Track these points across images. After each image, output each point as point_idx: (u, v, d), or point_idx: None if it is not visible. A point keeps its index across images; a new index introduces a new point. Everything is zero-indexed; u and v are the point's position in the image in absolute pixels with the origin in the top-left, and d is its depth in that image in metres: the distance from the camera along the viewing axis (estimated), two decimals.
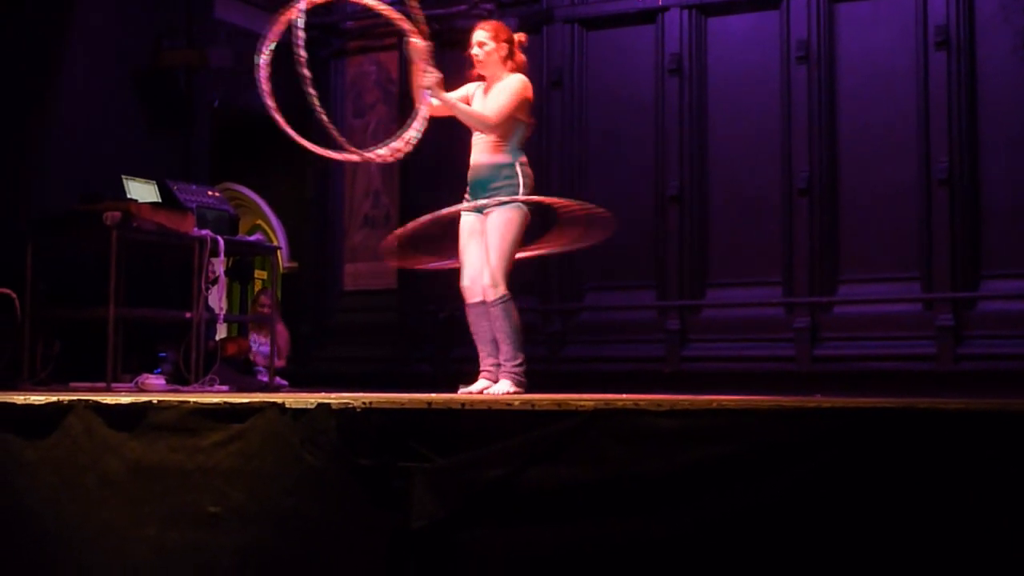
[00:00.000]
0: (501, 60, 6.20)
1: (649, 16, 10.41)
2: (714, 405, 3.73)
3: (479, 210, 6.10)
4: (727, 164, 10.09)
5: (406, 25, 6.13)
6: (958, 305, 9.18)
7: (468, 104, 6.20)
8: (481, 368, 6.13)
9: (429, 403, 4.18)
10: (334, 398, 4.36)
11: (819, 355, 9.51)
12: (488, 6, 10.70)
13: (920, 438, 3.46)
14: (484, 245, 6.05)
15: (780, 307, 9.80)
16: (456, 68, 6.45)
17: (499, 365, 6.03)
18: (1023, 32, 9.17)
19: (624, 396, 4.53)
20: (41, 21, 8.57)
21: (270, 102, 6.09)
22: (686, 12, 10.24)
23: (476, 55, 6.21)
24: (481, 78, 6.28)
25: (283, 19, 6.11)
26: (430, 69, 6.02)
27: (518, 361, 5.96)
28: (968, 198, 9.26)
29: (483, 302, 6.04)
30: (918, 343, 9.22)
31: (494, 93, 6.14)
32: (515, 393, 5.80)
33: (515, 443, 3.90)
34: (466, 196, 6.22)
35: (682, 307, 10.05)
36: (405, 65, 6.36)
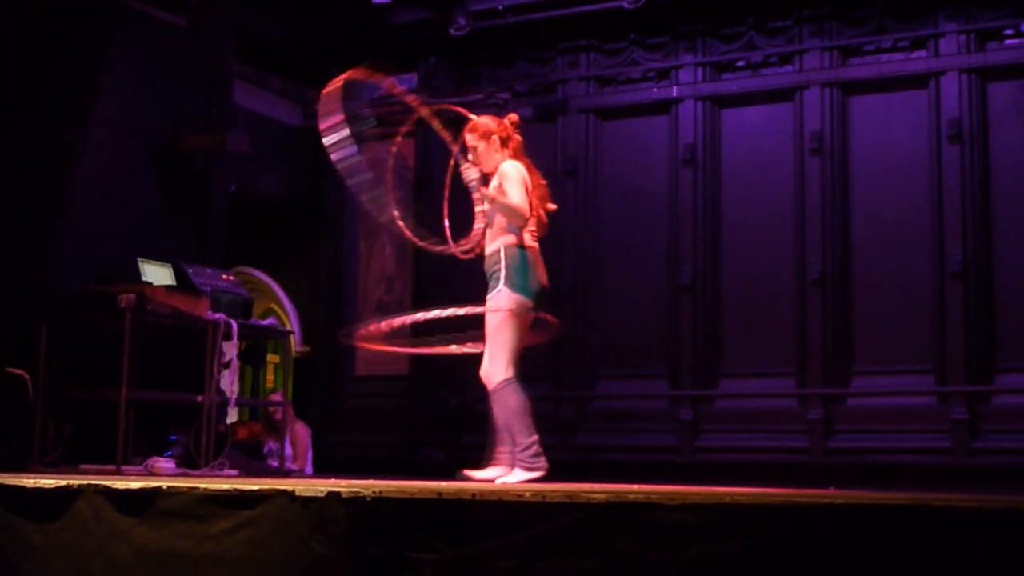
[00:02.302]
0: (497, 151, 6.26)
1: (664, 107, 10.49)
2: (726, 499, 3.69)
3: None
4: (740, 254, 10.11)
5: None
6: (973, 398, 9.14)
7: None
8: (495, 454, 6.11)
9: (439, 492, 4.15)
10: (344, 486, 4.33)
11: (832, 447, 9.46)
12: (504, 96, 10.79)
13: (936, 536, 3.42)
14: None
15: (793, 398, 9.77)
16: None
17: (512, 453, 6.02)
18: None
19: (636, 488, 4.49)
20: (62, 103, 8.66)
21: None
22: (700, 103, 10.33)
23: (475, 160, 6.29)
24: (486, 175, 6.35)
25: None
26: (470, 165, 6.13)
27: (526, 446, 5.91)
28: (982, 290, 9.26)
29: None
30: (932, 436, 9.16)
31: (493, 183, 6.19)
32: (529, 481, 5.76)
33: (526, 535, 3.86)
34: None
35: (695, 397, 10.02)
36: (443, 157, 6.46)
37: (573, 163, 10.68)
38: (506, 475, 5.92)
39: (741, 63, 10.34)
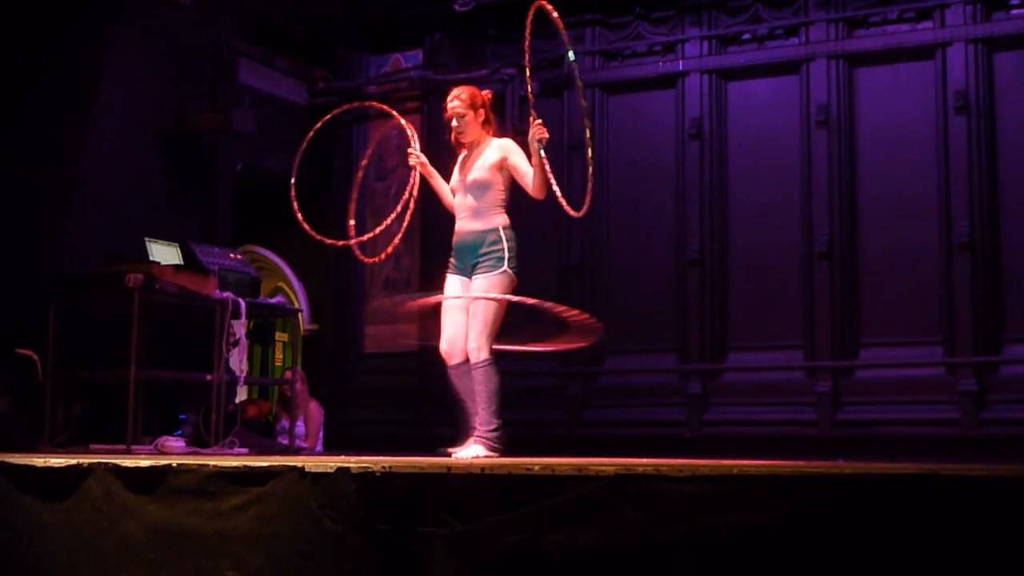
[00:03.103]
0: (481, 125, 6.18)
1: (670, 81, 10.47)
2: (735, 471, 3.70)
3: (465, 274, 6.09)
4: (747, 228, 10.10)
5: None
6: (981, 369, 9.13)
7: (446, 177, 6.27)
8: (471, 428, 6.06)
9: (449, 467, 4.16)
10: (354, 461, 4.34)
11: (841, 419, 9.46)
12: (509, 71, 10.75)
13: (945, 504, 3.42)
14: (467, 309, 6.01)
15: (801, 371, 9.77)
16: None
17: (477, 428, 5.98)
18: None
19: (645, 461, 4.50)
20: (68, 84, 8.66)
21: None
22: (706, 77, 10.30)
23: (457, 127, 6.15)
24: (460, 146, 6.25)
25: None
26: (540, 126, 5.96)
27: (492, 427, 5.88)
28: (989, 262, 9.24)
29: (465, 362, 6.01)
30: (941, 408, 9.16)
31: (490, 158, 6.09)
32: (487, 458, 5.72)
33: (535, 509, 3.87)
34: (451, 262, 6.20)
35: (703, 371, 10.03)
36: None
37: (579, 138, 10.64)
38: (463, 451, 5.87)
39: (747, 36, 10.30)
